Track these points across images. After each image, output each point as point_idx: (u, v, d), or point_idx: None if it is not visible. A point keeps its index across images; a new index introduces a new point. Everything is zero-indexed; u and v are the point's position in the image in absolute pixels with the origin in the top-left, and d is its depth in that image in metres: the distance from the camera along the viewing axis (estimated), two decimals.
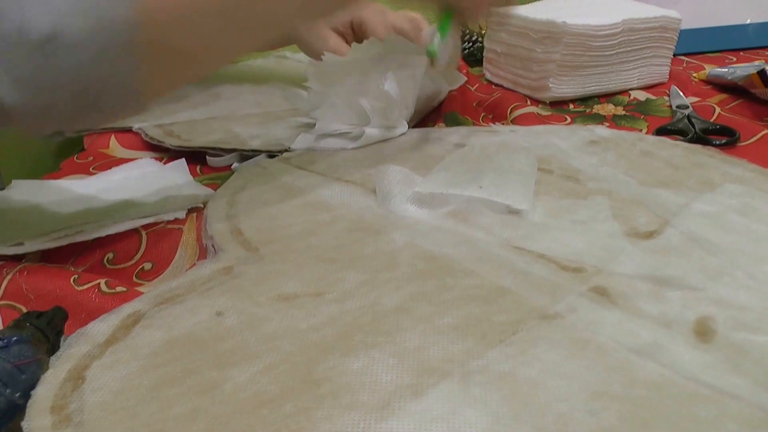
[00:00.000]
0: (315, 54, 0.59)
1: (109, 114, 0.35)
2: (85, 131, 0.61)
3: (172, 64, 0.36)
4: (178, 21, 0.34)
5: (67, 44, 0.30)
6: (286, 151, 0.53)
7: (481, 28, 0.89)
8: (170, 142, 0.56)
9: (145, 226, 0.43)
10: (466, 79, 0.72)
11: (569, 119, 0.60)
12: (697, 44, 0.81)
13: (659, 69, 0.69)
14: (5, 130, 0.34)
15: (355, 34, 0.65)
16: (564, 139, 0.52)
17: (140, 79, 0.33)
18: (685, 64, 0.78)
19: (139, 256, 0.41)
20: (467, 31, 0.88)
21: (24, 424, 0.24)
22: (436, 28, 0.50)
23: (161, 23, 0.33)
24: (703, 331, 0.29)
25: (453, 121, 0.61)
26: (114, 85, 0.33)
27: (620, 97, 0.66)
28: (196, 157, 0.55)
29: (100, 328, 0.30)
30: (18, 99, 0.30)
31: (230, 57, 0.41)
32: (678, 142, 0.51)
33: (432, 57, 0.48)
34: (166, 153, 0.57)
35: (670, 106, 0.62)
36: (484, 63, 0.75)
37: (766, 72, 0.56)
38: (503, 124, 0.60)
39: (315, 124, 0.55)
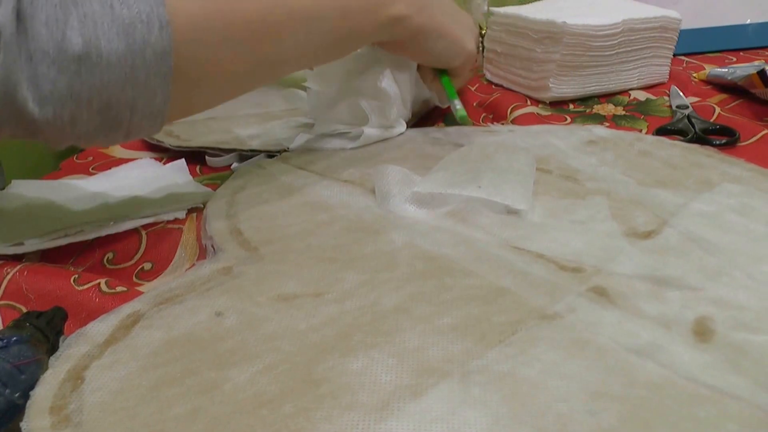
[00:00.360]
0: None
1: (128, 133, 0.35)
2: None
3: (196, 91, 0.37)
4: (208, 51, 0.35)
5: (99, 62, 0.31)
6: (285, 151, 0.53)
7: (481, 28, 0.89)
8: (170, 142, 0.56)
9: (145, 226, 0.43)
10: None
11: (569, 119, 0.60)
12: (697, 44, 0.81)
13: (659, 69, 0.69)
14: (31, 141, 0.35)
15: None
16: (562, 139, 0.52)
17: (165, 102, 0.34)
18: (685, 64, 0.78)
19: (138, 256, 0.41)
20: None
21: (23, 424, 0.24)
22: (447, 96, 0.53)
23: (191, 52, 0.34)
24: (703, 331, 0.29)
25: (453, 121, 0.61)
26: (140, 106, 0.33)
27: (620, 97, 0.66)
28: (195, 157, 0.55)
29: (100, 328, 0.30)
30: (43, 112, 0.31)
31: (252, 87, 0.42)
32: (676, 142, 0.51)
33: (465, 122, 0.52)
34: (165, 153, 0.57)
35: (670, 106, 0.62)
36: (484, 63, 0.75)
37: (766, 72, 0.56)
38: (503, 124, 0.60)
39: (314, 124, 0.55)
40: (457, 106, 0.52)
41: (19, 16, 0.29)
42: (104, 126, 0.34)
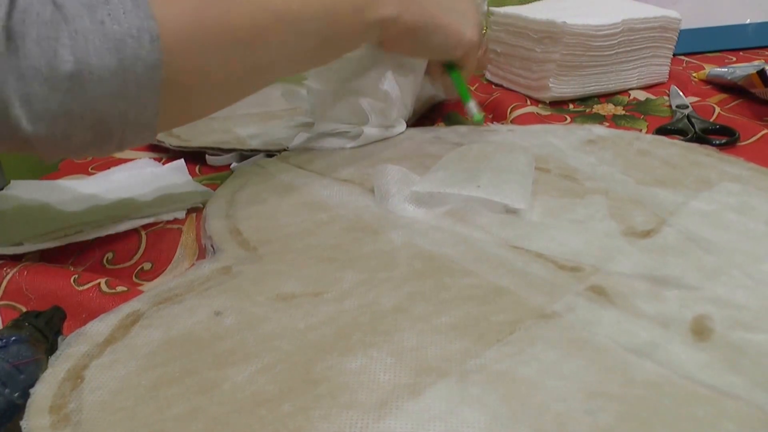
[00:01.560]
0: None
1: (120, 144, 0.35)
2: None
3: (187, 101, 0.37)
4: (197, 61, 0.35)
5: (90, 79, 0.31)
6: (284, 150, 0.53)
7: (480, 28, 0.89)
8: (170, 142, 0.56)
9: (145, 226, 0.43)
10: None
11: (569, 119, 0.60)
12: (697, 44, 0.81)
13: (659, 69, 0.69)
14: (23, 155, 0.35)
15: None
16: (561, 139, 0.52)
17: (155, 114, 0.34)
18: (685, 64, 0.78)
19: (138, 256, 0.41)
20: None
21: (23, 423, 0.24)
22: (461, 98, 0.54)
23: (181, 62, 0.34)
24: (701, 330, 0.29)
25: (453, 121, 0.61)
26: (132, 119, 0.34)
27: (620, 97, 0.66)
28: (195, 156, 0.55)
29: (99, 327, 0.30)
30: (36, 130, 0.31)
31: (243, 95, 0.42)
32: (675, 141, 0.51)
33: (480, 123, 0.53)
34: (165, 153, 0.57)
35: (670, 106, 0.62)
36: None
37: (765, 72, 0.56)
38: (503, 123, 0.60)
39: (314, 124, 0.55)
40: (474, 109, 0.52)
41: (9, 34, 0.29)
42: (96, 139, 0.34)
